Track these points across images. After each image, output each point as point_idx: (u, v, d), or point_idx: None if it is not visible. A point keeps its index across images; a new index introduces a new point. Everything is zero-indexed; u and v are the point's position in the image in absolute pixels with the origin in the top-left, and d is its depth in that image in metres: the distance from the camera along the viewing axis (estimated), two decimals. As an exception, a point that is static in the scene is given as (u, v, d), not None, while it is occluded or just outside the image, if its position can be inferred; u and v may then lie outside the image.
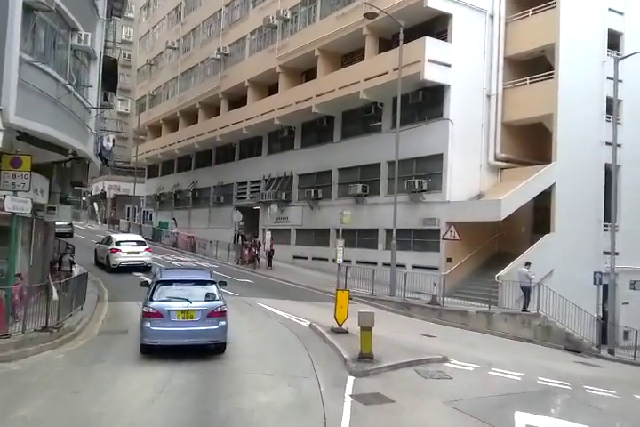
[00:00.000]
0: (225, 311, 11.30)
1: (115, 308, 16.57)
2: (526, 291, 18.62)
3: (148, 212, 42.99)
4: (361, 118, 27.60)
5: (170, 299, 11.16)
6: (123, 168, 65.29)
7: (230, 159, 38.86)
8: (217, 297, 11.50)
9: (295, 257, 30.94)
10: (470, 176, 23.31)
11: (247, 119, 33.79)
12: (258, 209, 35.05)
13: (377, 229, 25.68)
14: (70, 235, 35.89)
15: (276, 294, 20.58)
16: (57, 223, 23.01)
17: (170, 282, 11.67)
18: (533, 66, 23.85)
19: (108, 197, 54.90)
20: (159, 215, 48.37)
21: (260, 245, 29.31)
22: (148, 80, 50.18)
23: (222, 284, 12.57)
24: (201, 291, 11.53)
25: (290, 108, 29.99)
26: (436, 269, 22.28)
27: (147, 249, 25.30)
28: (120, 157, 66.70)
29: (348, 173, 27.94)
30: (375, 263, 24.55)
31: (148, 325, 10.77)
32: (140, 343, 11.11)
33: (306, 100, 28.88)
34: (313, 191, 29.37)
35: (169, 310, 10.90)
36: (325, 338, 13.13)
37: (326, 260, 28.49)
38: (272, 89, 33.37)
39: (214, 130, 37.58)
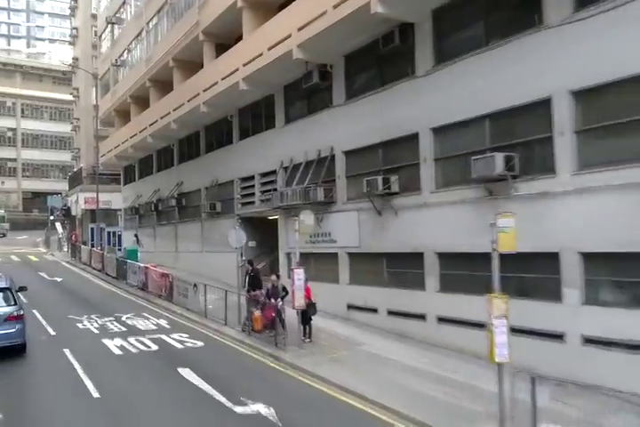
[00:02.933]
0: (22, 315, 12.60)
1: None
2: None
3: (115, 233, 29.00)
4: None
5: None
6: (102, 175, 51.42)
7: (227, 142, 24.45)
8: (12, 302, 12.59)
9: (351, 307, 16.35)
10: None
11: (246, 63, 19.24)
12: (275, 219, 20.62)
13: (556, 255, 10.92)
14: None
15: None
16: None
17: None
18: None
19: (74, 213, 40.83)
20: (141, 236, 34.14)
21: (283, 294, 14.65)
22: (111, 46, 36.06)
23: (22, 289, 14.79)
24: None
25: (321, 22, 15.36)
26: None
27: None
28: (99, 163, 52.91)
29: (464, 132, 13.20)
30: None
31: None
32: None
33: None
34: (380, 180, 14.68)
35: None
36: None
37: (420, 317, 13.89)
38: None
39: (196, 95, 23.16)
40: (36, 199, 72.15)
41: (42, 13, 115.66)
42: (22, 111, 71.24)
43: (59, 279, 25.76)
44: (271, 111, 20.91)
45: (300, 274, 13.47)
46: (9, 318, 12.25)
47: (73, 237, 38.17)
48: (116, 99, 34.86)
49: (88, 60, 52.87)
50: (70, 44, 59.32)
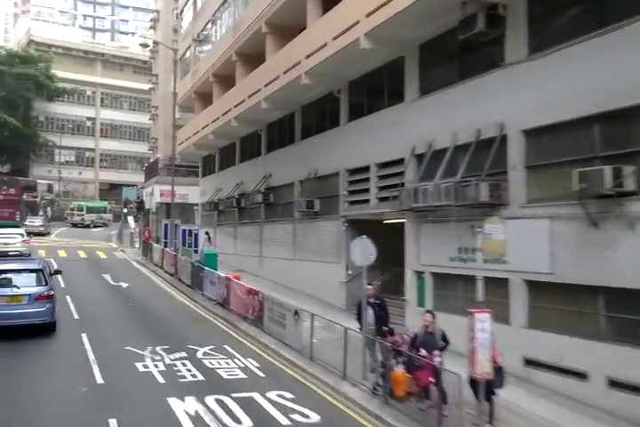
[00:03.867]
0: (52, 295, 13.49)
1: None
2: None
3: (190, 231, 24.78)
4: None
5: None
6: (179, 166, 48.03)
7: (331, 124, 19.50)
8: (44, 283, 13.51)
9: (532, 363, 10.89)
10: None
11: (372, 12, 14.08)
12: (397, 224, 15.42)
13: None
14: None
15: None
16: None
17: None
18: None
19: (148, 206, 37.27)
20: (218, 235, 29.91)
21: (442, 345, 9.44)
22: (193, 19, 32.00)
23: (57, 272, 16.97)
24: (28, 277, 13.50)
25: None
26: None
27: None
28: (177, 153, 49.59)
29: None
30: None
31: None
32: None
33: None
34: (609, 172, 9.18)
35: None
36: None
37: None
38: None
39: (296, 64, 18.30)
40: (112, 191, 70.44)
41: (126, 7, 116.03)
42: (102, 101, 69.61)
43: (124, 285, 21.69)
44: (398, 80, 15.69)
45: (484, 322, 8.21)
46: (39, 298, 13.17)
47: (146, 233, 34.52)
48: (196, 79, 30.74)
49: (169, 44, 49.60)
50: (151, 27, 56.44)
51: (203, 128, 29.08)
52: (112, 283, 22.07)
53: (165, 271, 25.33)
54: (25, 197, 49.26)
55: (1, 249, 25.35)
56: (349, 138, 18.04)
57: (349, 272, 17.86)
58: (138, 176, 69.17)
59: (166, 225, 28.75)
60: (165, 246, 28.19)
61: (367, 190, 16.98)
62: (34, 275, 13.73)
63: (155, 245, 28.61)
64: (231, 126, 25.33)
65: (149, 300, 19.27)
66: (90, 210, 56.85)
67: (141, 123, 70.80)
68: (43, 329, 13.33)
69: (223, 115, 25.69)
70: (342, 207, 18.31)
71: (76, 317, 15.57)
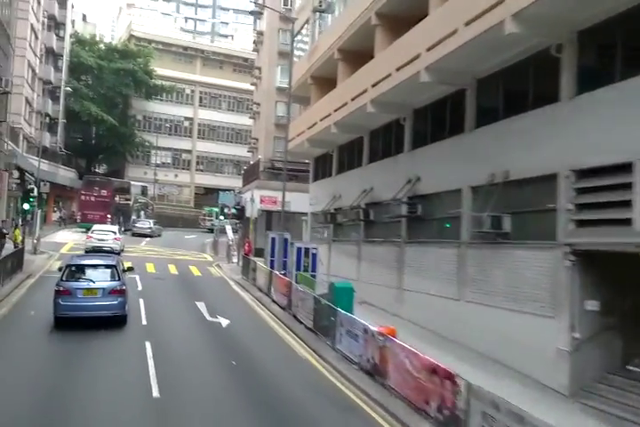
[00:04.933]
0: (124, 290, 14.30)
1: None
2: None
3: (307, 250, 18.83)
4: None
5: (77, 279, 14.03)
6: (279, 169, 42.70)
7: (537, 100, 12.78)
8: (117, 278, 14.29)
9: None
10: None
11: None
12: None
13: None
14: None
15: None
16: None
17: (78, 266, 14.62)
18: None
19: (249, 214, 31.90)
20: (334, 254, 23.89)
21: None
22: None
23: (130, 269, 17.09)
24: (104, 273, 14.36)
25: None
26: None
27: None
28: (279, 152, 44.47)
29: None
30: None
31: (59, 301, 13.45)
32: (54, 316, 13.53)
33: None
34: None
35: (76, 288, 13.65)
36: None
37: None
38: None
39: (490, 9, 11.82)
40: (207, 195, 66.84)
41: (227, 9, 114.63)
42: (200, 100, 66.25)
43: (223, 323, 15.92)
44: None
45: None
46: (112, 292, 13.95)
47: (245, 247, 29.17)
48: (315, 59, 24.93)
49: (274, 34, 44.70)
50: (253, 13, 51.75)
51: (322, 119, 23.19)
52: (208, 318, 16.42)
53: (273, 301, 19.51)
54: (117, 199, 45.82)
55: (96, 244, 28.29)
56: (580, 120, 11.32)
57: (576, 335, 11.10)
58: (234, 181, 65.19)
59: (273, 239, 23.03)
60: (272, 266, 22.48)
61: (626, 204, 10.15)
62: (109, 270, 14.53)
63: (259, 264, 22.91)
64: (363, 114, 19.24)
65: (259, 354, 13.29)
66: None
67: (239, 124, 66.92)
68: (114, 322, 13.96)
69: (353, 99, 19.60)
70: (563, 230, 11.55)
71: (155, 393, 9.83)
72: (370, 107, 18.20)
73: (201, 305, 18.08)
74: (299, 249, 19.47)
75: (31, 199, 28.30)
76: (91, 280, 14.09)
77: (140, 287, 20.56)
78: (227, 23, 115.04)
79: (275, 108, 44.35)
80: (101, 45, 58.90)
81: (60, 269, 15.19)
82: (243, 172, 53.69)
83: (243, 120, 67.05)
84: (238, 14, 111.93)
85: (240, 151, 66.89)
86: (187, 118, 65.60)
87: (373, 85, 17.92)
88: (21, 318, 15.06)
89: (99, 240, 28.81)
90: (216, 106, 66.80)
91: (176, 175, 64.99)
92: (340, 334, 13.40)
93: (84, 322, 13.57)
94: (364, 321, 12.31)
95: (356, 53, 21.30)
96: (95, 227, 31.03)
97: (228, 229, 31.87)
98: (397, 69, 16.28)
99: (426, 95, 16.95)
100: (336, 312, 13.56)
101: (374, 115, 18.88)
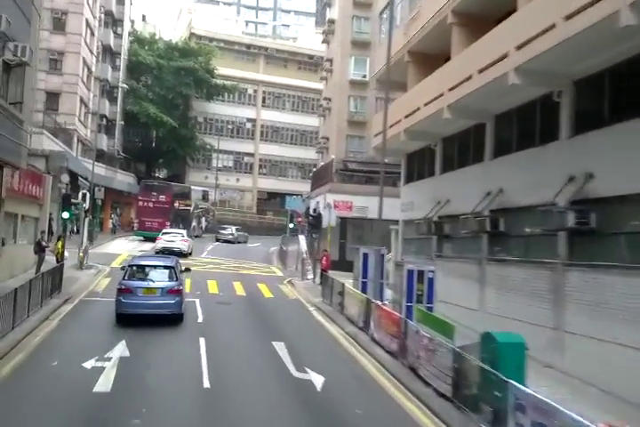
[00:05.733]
0: (181, 289, 15.03)
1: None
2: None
3: (421, 274, 13.89)
4: None
5: (138, 279, 14.88)
6: (352, 171, 37.88)
7: None
8: (175, 278, 15.02)
9: None
10: None
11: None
12: None
13: None
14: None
15: None
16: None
17: (138, 266, 15.47)
18: None
19: (328, 223, 27.12)
20: (440, 275, 18.75)
21: None
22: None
23: (187, 270, 16.95)
24: (162, 273, 15.09)
25: None
26: None
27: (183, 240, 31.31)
28: (352, 152, 39.73)
29: None
30: None
31: (121, 298, 14.33)
32: (115, 313, 14.37)
33: None
34: None
35: (136, 287, 14.49)
36: None
37: None
38: None
39: None
40: (270, 200, 62.94)
41: (288, 11, 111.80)
42: (263, 100, 62.43)
43: (316, 382, 10.97)
44: None
45: None
46: (170, 291, 14.64)
47: (323, 261, 24.44)
48: (415, 30, 19.91)
49: (347, 22, 40.07)
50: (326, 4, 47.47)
51: (427, 104, 18.15)
52: (295, 373, 11.58)
53: (374, 340, 14.54)
54: (177, 205, 42.14)
55: (166, 246, 29.87)
56: None
57: None
58: (298, 185, 60.99)
59: (365, 256, 18.11)
60: (364, 290, 17.60)
61: None
62: (167, 271, 15.24)
63: (348, 287, 17.98)
64: (497, 90, 14.15)
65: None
66: None
67: (304, 125, 62.89)
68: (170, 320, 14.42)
69: (483, 70, 14.50)
70: None
71: None
72: (514, 76, 13.04)
73: (280, 347, 13.38)
74: (410, 272, 14.44)
75: (75, 206, 24.38)
76: (150, 280, 14.95)
77: (200, 318, 16.12)
78: (288, 25, 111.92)
79: (348, 103, 39.70)
80: (161, 44, 55.94)
81: (122, 268, 16.21)
82: (311, 174, 49.23)
83: (308, 121, 62.92)
84: (299, 16, 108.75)
85: (305, 153, 62.72)
86: (249, 119, 61.91)
87: (520, 47, 12.78)
88: (38, 372, 10.69)
89: (168, 242, 30.57)
90: (280, 106, 62.88)
91: (238, 179, 61.31)
92: (511, 415, 8.32)
93: (144, 319, 14.22)
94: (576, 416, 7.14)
95: (478, 16, 16.24)
96: (165, 230, 33.59)
97: (302, 239, 27.17)
98: (567, 18, 11.11)
99: (604, 55, 11.69)
100: (507, 387, 8.46)
101: (516, 89, 13.68)
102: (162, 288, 14.61)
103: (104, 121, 47.19)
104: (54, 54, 39.22)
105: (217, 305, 18.42)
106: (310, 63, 64.22)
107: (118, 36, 48.57)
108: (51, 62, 39.41)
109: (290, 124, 62.61)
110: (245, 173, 62.01)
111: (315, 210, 26.38)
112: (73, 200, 20.18)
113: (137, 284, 14.69)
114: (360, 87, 39.37)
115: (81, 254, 23.60)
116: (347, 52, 39.64)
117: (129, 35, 52.01)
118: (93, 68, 44.16)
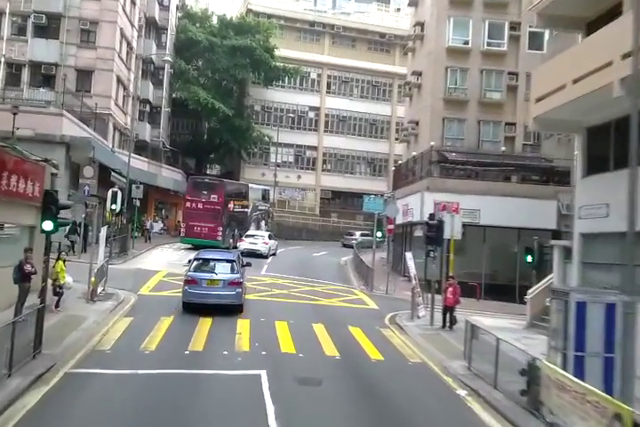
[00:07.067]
0: (241, 282, 16.08)
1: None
2: None
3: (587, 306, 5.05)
4: None
5: (203, 271, 16.02)
6: (456, 163, 29.07)
7: None
8: (236, 271, 16.16)
9: None
10: None
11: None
12: None
13: None
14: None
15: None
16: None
17: (203, 259, 16.67)
18: None
19: (450, 234, 18.64)
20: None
21: None
22: None
23: (247, 265, 18.34)
24: (225, 266, 16.23)
25: None
26: None
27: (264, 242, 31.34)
28: (451, 139, 31.12)
29: None
30: None
31: (187, 288, 15.53)
32: (182, 302, 15.73)
33: None
34: None
35: (201, 279, 15.64)
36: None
37: None
38: None
39: None
40: (335, 200, 54.94)
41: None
42: (328, 86, 54.42)
43: None
44: None
45: None
46: (231, 283, 15.72)
47: (449, 292, 16.15)
48: None
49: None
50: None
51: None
52: None
53: None
54: (232, 206, 34.50)
55: (249, 247, 30.15)
56: None
57: None
58: (368, 183, 52.88)
59: (581, 307, 9.65)
60: (580, 373, 9.19)
61: None
62: (229, 264, 16.41)
63: (552, 368, 9.58)
64: None
65: None
66: None
67: (375, 113, 54.68)
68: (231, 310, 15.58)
69: None
70: None
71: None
72: None
73: None
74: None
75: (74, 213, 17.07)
76: (214, 272, 16.07)
77: (271, 420, 8.19)
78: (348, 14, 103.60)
79: (445, 77, 31.11)
80: (214, 20, 48.83)
81: (189, 261, 17.24)
82: (393, 169, 40.84)
83: (379, 108, 54.62)
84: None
85: (375, 147, 54.51)
86: (312, 108, 54.01)
87: None
88: None
89: (250, 244, 30.77)
90: (347, 92, 54.73)
91: (299, 176, 53.52)
92: None
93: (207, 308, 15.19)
94: None
95: None
96: (248, 233, 33.32)
97: (409, 257, 18.41)
98: None
99: None
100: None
101: None
102: (224, 280, 15.73)
103: (147, 107, 40.30)
104: (86, 24, 32.43)
105: (297, 387, 10.40)
106: (382, 42, 55.91)
107: (164, 7, 41.54)
108: (82, 34, 32.70)
109: (358, 112, 54.34)
110: (307, 169, 54.19)
111: (432, 216, 18.00)
112: (64, 202, 12.45)
113: (201, 275, 15.84)
114: (460, 57, 30.87)
115: (93, 279, 16.15)
116: (443, 13, 31.15)
117: (177, 9, 45.01)
118: (134, 44, 37.28)
